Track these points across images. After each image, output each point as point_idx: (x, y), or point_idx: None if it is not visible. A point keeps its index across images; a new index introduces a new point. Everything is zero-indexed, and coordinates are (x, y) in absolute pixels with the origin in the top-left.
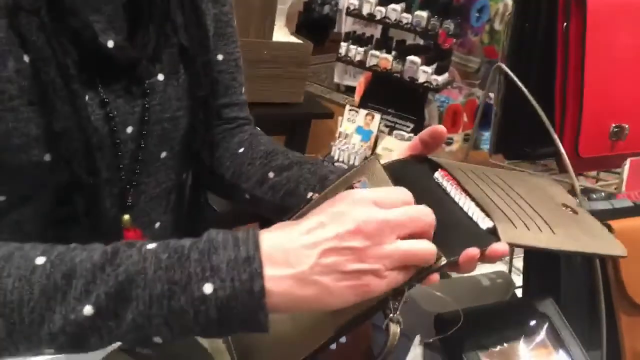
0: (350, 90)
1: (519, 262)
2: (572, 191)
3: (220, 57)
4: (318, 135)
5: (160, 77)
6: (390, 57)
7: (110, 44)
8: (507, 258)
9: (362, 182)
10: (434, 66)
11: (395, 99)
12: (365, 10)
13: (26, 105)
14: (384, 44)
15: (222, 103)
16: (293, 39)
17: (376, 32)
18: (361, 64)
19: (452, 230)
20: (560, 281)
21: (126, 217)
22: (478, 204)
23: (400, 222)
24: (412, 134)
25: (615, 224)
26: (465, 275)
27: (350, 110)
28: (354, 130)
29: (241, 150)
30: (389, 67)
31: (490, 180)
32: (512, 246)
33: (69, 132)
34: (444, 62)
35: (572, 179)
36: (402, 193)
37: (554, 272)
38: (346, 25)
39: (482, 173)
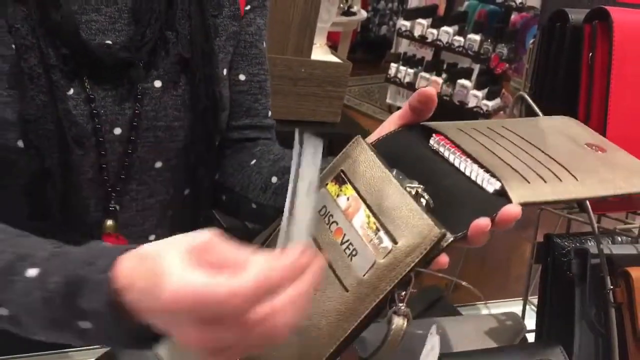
0: None
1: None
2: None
3: (242, 77)
4: None
5: (158, 83)
6: (440, 79)
7: (108, 43)
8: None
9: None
10: (485, 91)
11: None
12: (417, 32)
13: (6, 89)
14: (434, 66)
15: (244, 124)
16: (332, 58)
17: (429, 54)
18: (410, 86)
19: (456, 201)
20: (574, 330)
21: (109, 222)
22: (482, 165)
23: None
24: None
25: (635, 271)
26: (474, 315)
27: None
28: None
29: (253, 162)
30: (439, 89)
31: (496, 134)
32: (525, 205)
33: (41, 120)
34: (496, 86)
35: (590, 219)
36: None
37: (567, 319)
38: (402, 46)
39: (487, 128)
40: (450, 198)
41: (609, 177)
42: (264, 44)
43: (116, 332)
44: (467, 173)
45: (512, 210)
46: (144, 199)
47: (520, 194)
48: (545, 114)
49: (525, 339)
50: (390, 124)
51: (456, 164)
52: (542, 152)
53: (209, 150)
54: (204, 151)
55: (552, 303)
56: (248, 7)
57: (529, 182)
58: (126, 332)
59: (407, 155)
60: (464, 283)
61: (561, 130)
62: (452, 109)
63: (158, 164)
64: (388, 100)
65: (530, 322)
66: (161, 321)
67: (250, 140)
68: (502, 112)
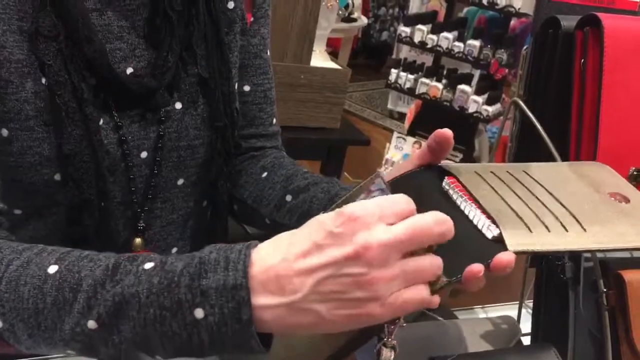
0: (404, 117)
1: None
2: None
3: (247, 88)
4: (365, 161)
5: (178, 105)
6: (440, 85)
7: (130, 71)
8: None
9: (377, 183)
10: (485, 96)
11: (445, 128)
12: (417, 38)
13: (41, 125)
14: (434, 72)
15: (249, 133)
16: (332, 65)
17: (429, 60)
18: (411, 92)
19: (455, 245)
20: (568, 332)
21: (138, 240)
22: (485, 211)
23: (404, 240)
24: None
25: (627, 274)
26: (469, 318)
27: (398, 137)
28: (400, 158)
29: (264, 175)
30: (439, 95)
31: (513, 179)
32: (521, 254)
33: (79, 154)
34: (496, 92)
35: None
36: (406, 202)
37: (562, 322)
38: (402, 52)
39: (506, 172)
40: (452, 242)
41: (620, 229)
42: (268, 52)
43: (232, 319)
44: (471, 218)
45: (504, 258)
46: (167, 215)
47: (517, 242)
48: (538, 119)
49: (520, 342)
50: (409, 164)
51: (462, 208)
52: (556, 200)
53: (227, 164)
54: (223, 165)
55: (546, 306)
56: (252, 19)
57: (531, 231)
58: (243, 324)
59: (419, 195)
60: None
61: (586, 177)
62: (452, 115)
63: (180, 181)
64: (389, 106)
65: (527, 326)
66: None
67: (256, 150)
68: (502, 117)
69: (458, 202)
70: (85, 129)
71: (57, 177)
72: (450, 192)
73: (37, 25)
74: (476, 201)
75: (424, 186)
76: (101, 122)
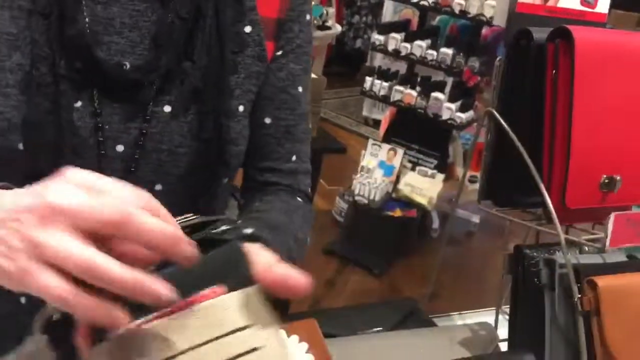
0: (379, 123)
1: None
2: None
3: (268, 120)
4: (341, 168)
5: (167, 108)
6: (414, 92)
7: (125, 65)
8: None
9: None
10: (458, 103)
11: (420, 134)
12: (391, 47)
13: (17, 94)
14: (408, 79)
15: (265, 166)
16: None
17: (403, 67)
18: (385, 99)
19: None
20: (545, 337)
21: None
22: None
23: (74, 212)
24: (435, 171)
25: (601, 280)
26: (448, 326)
27: (373, 144)
28: (376, 165)
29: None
30: (413, 102)
31: None
32: None
33: (41, 126)
34: (469, 99)
35: (558, 231)
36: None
37: (538, 327)
38: (376, 60)
39: None
40: None
41: None
42: (299, 89)
43: None
44: None
45: None
46: None
47: None
48: (512, 128)
49: (498, 348)
50: None
51: None
52: None
53: (212, 181)
54: (206, 180)
55: (523, 312)
56: (280, 53)
57: None
58: None
59: None
60: None
61: None
62: (426, 121)
63: (158, 187)
64: (364, 113)
65: (504, 332)
66: None
67: (270, 184)
68: (475, 124)
69: None
70: (56, 105)
71: (20, 146)
72: None
73: (34, 3)
74: None
75: None
76: (79, 104)
